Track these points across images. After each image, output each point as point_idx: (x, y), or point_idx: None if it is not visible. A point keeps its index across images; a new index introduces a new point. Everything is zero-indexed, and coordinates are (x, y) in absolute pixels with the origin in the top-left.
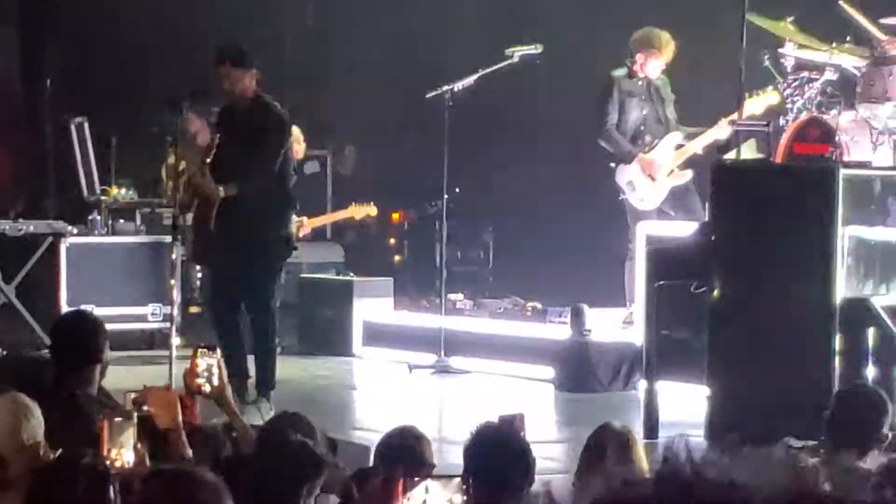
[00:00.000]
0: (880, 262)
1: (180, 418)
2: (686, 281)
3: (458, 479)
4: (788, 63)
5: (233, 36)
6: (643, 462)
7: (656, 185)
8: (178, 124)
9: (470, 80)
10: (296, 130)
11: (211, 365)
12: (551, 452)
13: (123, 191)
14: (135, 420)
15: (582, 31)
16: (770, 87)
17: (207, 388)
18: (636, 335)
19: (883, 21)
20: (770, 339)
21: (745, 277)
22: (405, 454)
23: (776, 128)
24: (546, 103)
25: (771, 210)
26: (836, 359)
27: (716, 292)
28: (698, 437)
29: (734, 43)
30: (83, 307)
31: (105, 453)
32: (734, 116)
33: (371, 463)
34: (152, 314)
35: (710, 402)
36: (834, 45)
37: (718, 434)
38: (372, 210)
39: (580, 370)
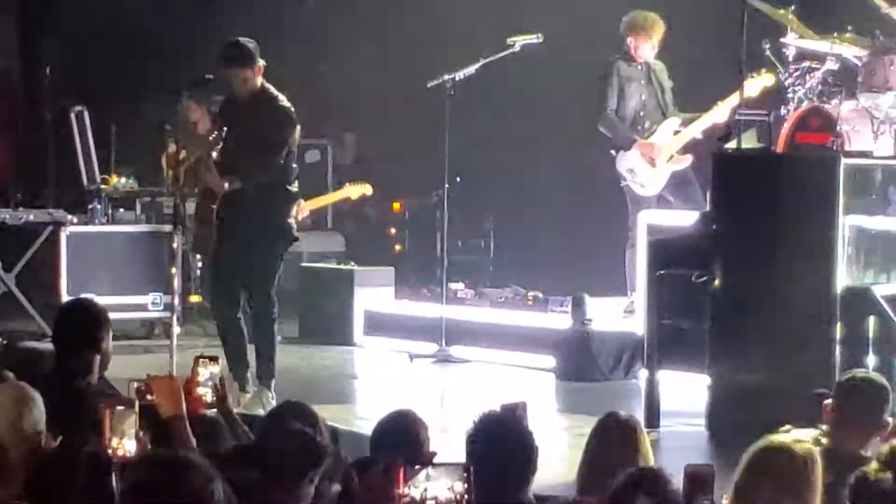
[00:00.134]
0: (881, 252)
1: (184, 407)
2: (687, 270)
3: (460, 467)
4: (790, 52)
5: (232, 24)
6: (649, 451)
7: (657, 171)
8: (178, 113)
9: (471, 69)
10: None
11: (213, 374)
12: (552, 441)
13: (123, 180)
14: (136, 408)
15: (582, 18)
16: (765, 70)
17: (209, 398)
18: (637, 324)
19: None
20: (771, 328)
21: (747, 267)
22: (400, 438)
23: (777, 117)
24: (547, 92)
25: (772, 199)
26: (837, 347)
27: (717, 281)
28: (699, 427)
29: (734, 30)
30: (84, 296)
31: (106, 442)
32: (733, 101)
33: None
34: (152, 303)
35: (710, 392)
36: (835, 34)
37: (719, 423)
38: (367, 189)
39: (581, 359)
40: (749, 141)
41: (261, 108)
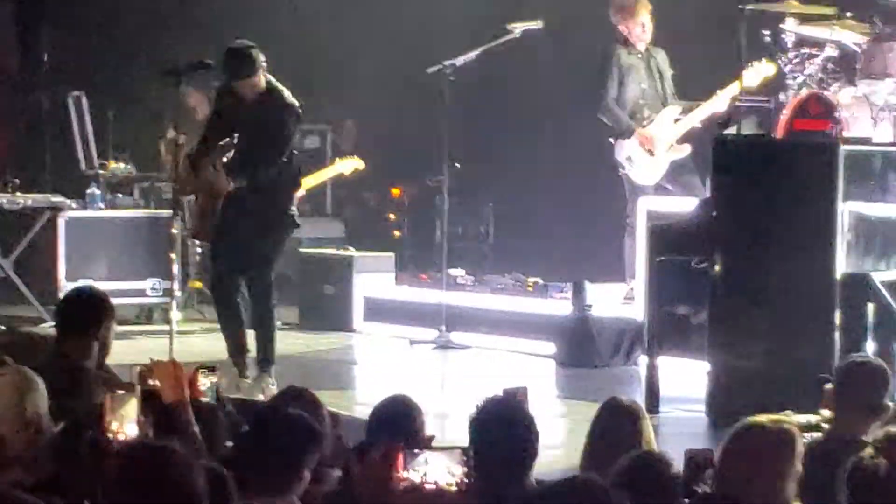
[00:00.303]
0: (880, 238)
1: (187, 393)
2: (687, 256)
3: (459, 450)
4: (789, 39)
5: (231, 10)
6: (651, 436)
7: (655, 160)
8: (176, 98)
9: (471, 55)
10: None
11: (213, 383)
12: (552, 427)
13: (121, 165)
14: (138, 393)
15: (582, 4)
16: (765, 59)
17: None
18: (637, 310)
19: None
20: (771, 315)
21: (746, 253)
22: (396, 423)
23: (777, 104)
24: (547, 78)
25: (772, 186)
26: (836, 334)
27: (717, 268)
28: (699, 412)
29: (734, 17)
30: (83, 282)
31: (107, 426)
32: (732, 90)
33: None
34: (151, 289)
35: (710, 377)
36: (835, 21)
37: (719, 409)
38: (359, 163)
39: (581, 346)
40: (749, 128)
41: (266, 106)
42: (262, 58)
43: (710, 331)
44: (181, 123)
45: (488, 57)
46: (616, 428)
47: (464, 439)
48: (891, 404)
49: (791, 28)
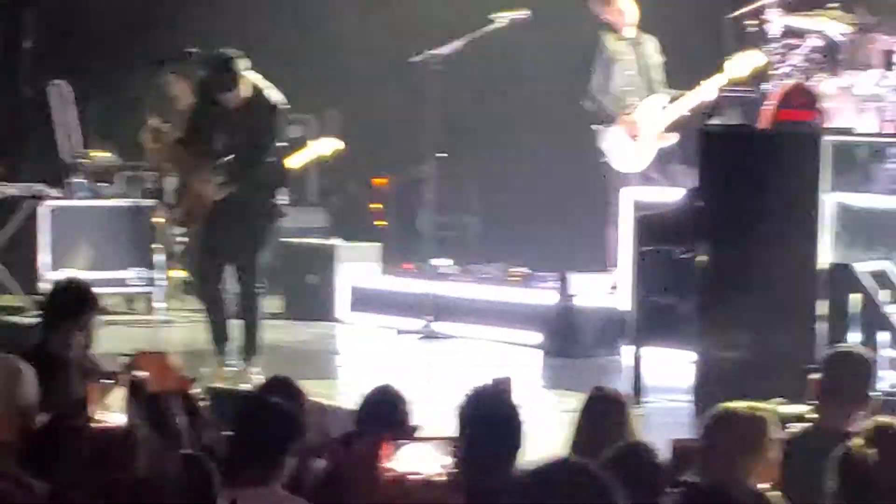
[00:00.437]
0: (864, 229)
1: (173, 382)
2: (673, 246)
3: (446, 441)
4: (773, 29)
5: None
6: (636, 426)
7: (640, 147)
8: (160, 87)
9: (457, 45)
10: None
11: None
12: (537, 417)
13: (104, 154)
14: (123, 382)
15: None
16: (755, 50)
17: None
18: (622, 300)
19: None
20: (756, 305)
21: (732, 243)
22: (384, 414)
23: (761, 94)
24: (533, 68)
25: (757, 176)
26: (821, 324)
27: (702, 258)
28: (684, 402)
29: (719, 8)
30: (65, 271)
31: (93, 415)
32: (721, 79)
33: None
34: (133, 278)
35: (697, 367)
36: (819, 11)
37: (705, 398)
38: (338, 143)
39: (567, 335)
40: (733, 118)
41: (253, 111)
42: (244, 66)
43: (696, 321)
44: (164, 112)
45: (474, 46)
46: (602, 418)
47: (450, 429)
48: (876, 395)
49: (775, 19)
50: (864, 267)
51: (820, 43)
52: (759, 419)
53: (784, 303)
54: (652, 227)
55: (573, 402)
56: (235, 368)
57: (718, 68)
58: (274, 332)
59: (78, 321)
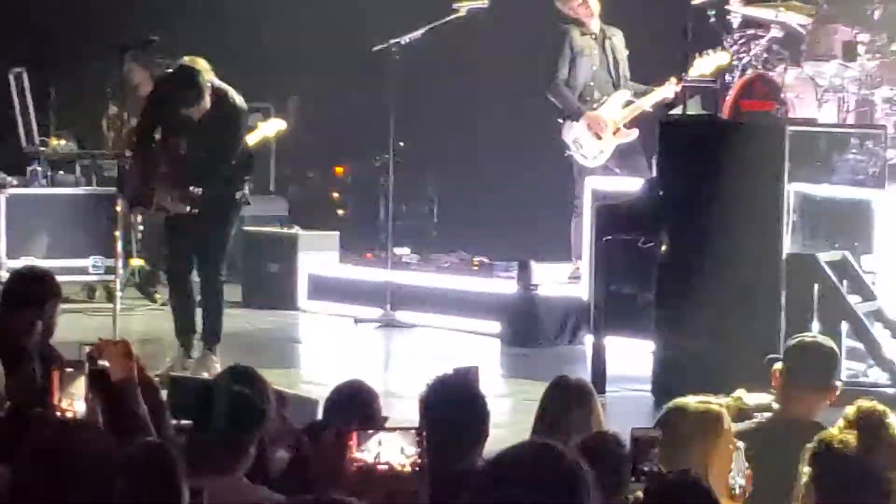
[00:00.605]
0: (825, 219)
1: (135, 371)
2: (633, 236)
3: (413, 431)
4: (735, 20)
5: None
6: (601, 415)
7: (602, 143)
8: (119, 75)
9: (417, 34)
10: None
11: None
12: (498, 406)
13: (63, 142)
14: (86, 370)
15: None
16: (720, 48)
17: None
18: (583, 290)
19: None
20: (716, 295)
21: (692, 233)
22: (355, 408)
23: (722, 84)
24: (492, 58)
25: (718, 166)
26: (782, 314)
27: (663, 248)
28: (645, 392)
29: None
30: (24, 259)
31: (55, 403)
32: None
33: (319, 416)
34: (93, 266)
35: (655, 357)
36: (780, 2)
37: (664, 389)
38: (281, 123)
39: (527, 325)
40: (693, 108)
41: (216, 117)
42: (207, 79)
43: (656, 310)
44: (124, 100)
45: (434, 35)
46: (565, 407)
47: (409, 418)
48: (839, 384)
49: (736, 9)
50: (823, 257)
51: (780, 34)
52: (712, 413)
53: (745, 293)
54: (611, 216)
55: (533, 391)
56: (194, 358)
57: (683, 61)
58: (233, 321)
59: (38, 309)
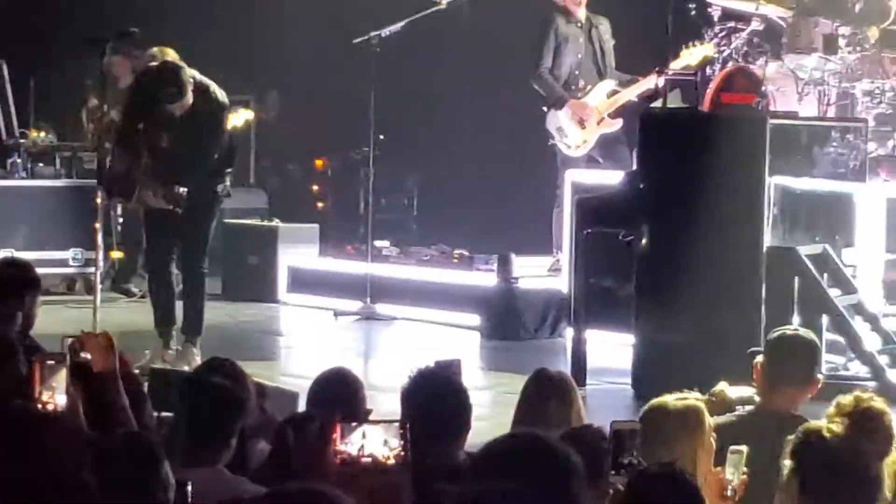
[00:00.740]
0: (806, 212)
1: (117, 363)
2: (614, 229)
3: (396, 424)
4: (715, 13)
5: None
6: (581, 408)
7: (586, 132)
8: (99, 67)
9: (397, 27)
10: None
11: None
12: (478, 399)
13: (43, 134)
14: (67, 362)
15: None
16: (706, 41)
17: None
18: (563, 283)
19: None
20: (697, 288)
21: (673, 226)
22: (339, 396)
23: (703, 77)
24: (473, 49)
25: (698, 159)
26: (763, 307)
27: (643, 241)
28: (625, 385)
29: None
30: (3, 251)
31: (36, 395)
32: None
33: (300, 408)
34: (73, 259)
35: (635, 350)
36: None
37: (644, 382)
38: (249, 114)
39: (507, 318)
40: (673, 101)
41: (196, 108)
42: (189, 76)
43: (637, 304)
44: (104, 92)
45: (414, 28)
46: (545, 400)
47: (390, 410)
48: (820, 377)
49: (717, 2)
50: (804, 251)
51: (761, 27)
52: (692, 409)
53: (726, 286)
54: (592, 209)
55: (513, 384)
56: (174, 350)
57: (667, 52)
58: (213, 314)
59: (17, 301)
